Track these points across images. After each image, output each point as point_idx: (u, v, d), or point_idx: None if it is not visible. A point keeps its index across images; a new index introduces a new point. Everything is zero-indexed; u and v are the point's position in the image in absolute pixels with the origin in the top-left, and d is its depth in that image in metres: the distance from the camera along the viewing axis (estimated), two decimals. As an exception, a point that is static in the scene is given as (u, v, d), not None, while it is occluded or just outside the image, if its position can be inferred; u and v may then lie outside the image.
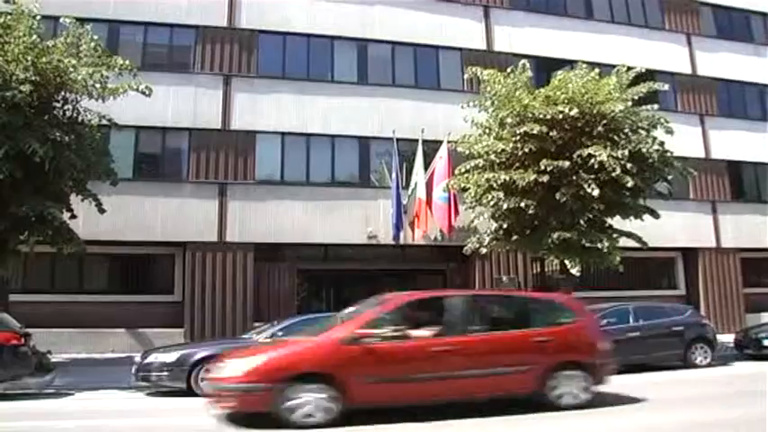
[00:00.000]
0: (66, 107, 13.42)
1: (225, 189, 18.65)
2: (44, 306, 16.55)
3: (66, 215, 13.50)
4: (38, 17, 12.95)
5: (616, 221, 16.12)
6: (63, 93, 13.16)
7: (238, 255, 18.31)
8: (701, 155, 22.82)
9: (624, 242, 16.08)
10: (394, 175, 18.51)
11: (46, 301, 16.87)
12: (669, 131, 15.44)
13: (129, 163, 18.09)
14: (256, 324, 15.62)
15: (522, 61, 15.91)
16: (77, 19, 13.56)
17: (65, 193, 13.60)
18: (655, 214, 16.18)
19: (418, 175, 18.50)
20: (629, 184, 14.33)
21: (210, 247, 18.21)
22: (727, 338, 16.64)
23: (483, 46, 21.56)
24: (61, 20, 13.47)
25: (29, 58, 12.15)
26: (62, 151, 12.25)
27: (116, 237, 17.17)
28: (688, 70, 23.95)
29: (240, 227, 18.43)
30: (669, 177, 16.80)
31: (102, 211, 13.81)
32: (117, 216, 15.70)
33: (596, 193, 14.00)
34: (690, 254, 22.65)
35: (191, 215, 18.22)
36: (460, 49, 21.27)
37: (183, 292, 18.14)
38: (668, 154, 15.63)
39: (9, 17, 12.76)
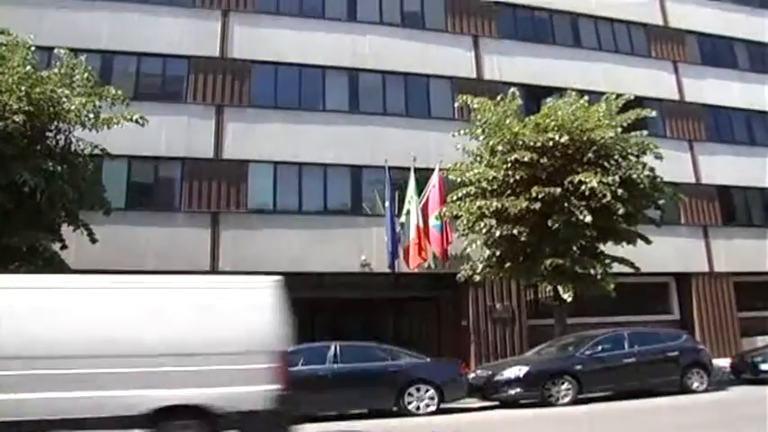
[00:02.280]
0: (59, 137, 13.43)
1: (217, 218, 18.61)
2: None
3: (57, 245, 13.43)
4: (32, 48, 13.04)
5: (608, 247, 16.19)
6: (56, 123, 13.17)
7: (231, 284, 18.17)
8: (691, 180, 23.00)
9: (617, 268, 16.14)
10: (387, 204, 18.56)
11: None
12: (659, 157, 15.62)
13: (122, 192, 17.99)
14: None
15: (512, 89, 16.12)
16: (71, 49, 13.67)
17: (57, 223, 13.52)
18: (646, 240, 16.27)
19: (411, 203, 18.55)
20: (621, 211, 14.44)
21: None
22: (722, 363, 16.61)
23: (473, 74, 21.80)
24: (55, 51, 13.58)
25: (23, 88, 12.18)
26: (54, 181, 12.23)
27: (108, 266, 16.79)
28: (676, 96, 24.26)
29: (233, 256, 18.33)
30: (660, 203, 16.93)
31: (93, 241, 13.76)
32: (109, 246, 15.57)
33: (588, 219, 14.09)
34: (683, 279, 22.67)
35: (183, 244, 18.11)
36: (451, 77, 21.47)
37: (174, 323, 17.95)
38: (658, 180, 15.78)
39: (4, 48, 12.84)
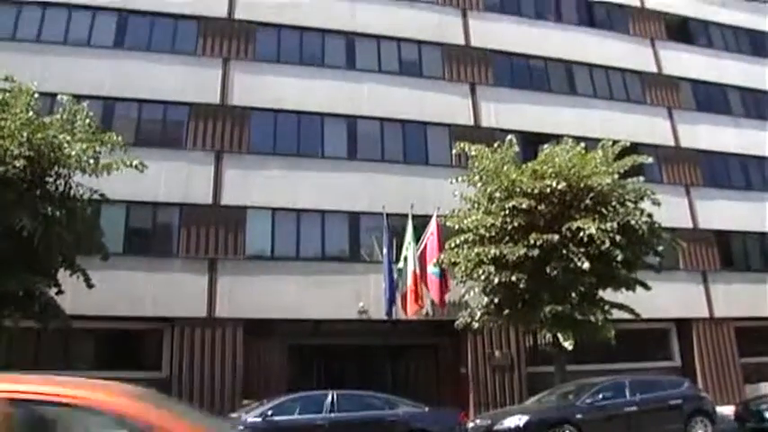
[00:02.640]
0: (58, 182, 13.43)
1: (215, 264, 18.56)
2: (27, 385, 16.07)
3: (53, 290, 13.33)
4: (35, 94, 13.17)
5: (608, 293, 16.11)
6: (56, 168, 13.17)
7: (227, 330, 18.03)
8: (689, 225, 23.04)
9: (617, 314, 16.02)
10: (385, 251, 18.53)
11: (29, 380, 16.39)
12: (656, 203, 15.66)
13: (120, 237, 17.98)
14: (245, 401, 15.28)
15: (509, 136, 16.27)
16: (74, 96, 13.81)
17: (54, 268, 13.46)
18: (646, 286, 16.20)
19: (409, 250, 18.53)
20: (620, 258, 14.41)
21: (199, 322, 17.93)
22: (726, 411, 16.34)
23: (470, 122, 22.08)
24: (58, 97, 13.74)
25: (24, 133, 12.22)
26: (53, 226, 12.21)
27: (104, 312, 16.87)
28: (671, 142, 24.51)
29: (230, 302, 18.22)
30: (659, 249, 16.90)
31: (90, 286, 13.63)
32: (105, 291, 15.43)
33: (586, 266, 14.04)
34: (683, 324, 22.50)
35: (180, 290, 18.01)
36: (448, 124, 21.75)
37: (170, 369, 17.72)
38: (657, 225, 15.79)
39: (8, 94, 12.98)
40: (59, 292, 13.65)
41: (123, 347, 18.59)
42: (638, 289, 15.96)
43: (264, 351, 18.71)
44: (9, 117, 12.48)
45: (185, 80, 20.17)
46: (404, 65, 22.62)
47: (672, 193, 22.39)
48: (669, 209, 17.98)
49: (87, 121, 13.38)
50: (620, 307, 16.06)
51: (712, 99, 26.49)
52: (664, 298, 19.94)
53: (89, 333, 17.89)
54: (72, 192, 13.56)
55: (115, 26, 20.73)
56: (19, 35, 19.70)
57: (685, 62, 26.52)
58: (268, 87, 20.62)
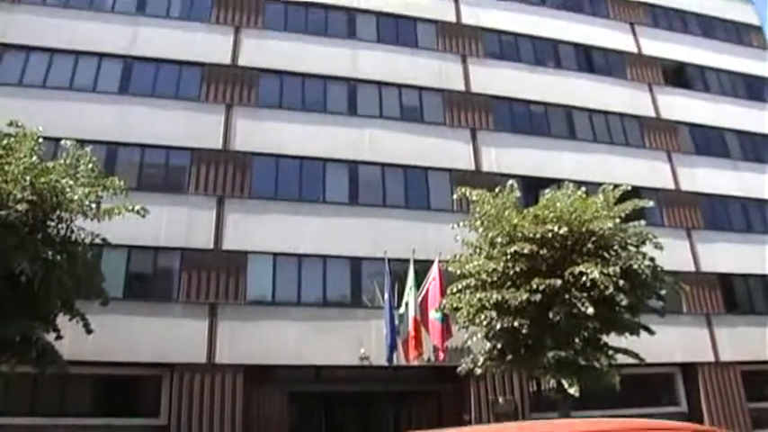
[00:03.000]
0: (60, 226, 13.41)
1: (215, 309, 18.43)
2: (23, 430, 15.83)
3: (51, 335, 13.20)
4: (40, 139, 13.28)
5: (611, 338, 15.94)
6: (58, 212, 13.14)
7: (227, 377, 17.79)
8: (691, 268, 22.98)
9: (621, 359, 15.81)
10: (386, 296, 18.42)
11: (26, 425, 16.11)
12: (659, 247, 15.61)
13: (120, 282, 17.89)
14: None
15: (510, 181, 16.31)
16: (78, 141, 13.91)
17: (53, 312, 13.35)
18: (650, 331, 16.03)
19: (410, 296, 18.43)
20: (624, 302, 14.30)
21: (199, 368, 17.70)
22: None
23: (471, 166, 22.24)
24: (62, 142, 13.84)
25: (27, 178, 12.21)
26: (53, 270, 12.14)
27: (102, 357, 16.68)
28: (671, 186, 24.63)
29: (230, 348, 18.04)
30: (662, 293, 16.79)
31: (89, 331, 13.47)
32: (104, 336, 15.23)
33: (591, 311, 13.91)
34: (689, 369, 22.20)
35: (180, 336, 17.85)
36: (449, 169, 21.88)
37: (169, 416, 17.43)
38: (659, 269, 15.71)
39: (13, 139, 13.08)
40: (58, 338, 13.52)
41: (121, 393, 18.32)
42: (642, 333, 15.80)
43: (265, 398, 18.44)
44: (13, 161, 12.53)
45: (188, 125, 20.40)
46: (405, 110, 22.91)
47: (673, 236, 22.39)
48: (671, 252, 17.90)
49: (90, 165, 13.42)
50: (625, 352, 15.86)
51: (711, 142, 26.75)
52: (668, 342, 19.74)
53: (87, 378, 17.64)
54: (73, 236, 13.56)
55: (120, 72, 21.09)
56: (26, 81, 20.07)
57: (683, 106, 26.89)
58: (270, 133, 20.85)
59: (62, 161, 13.29)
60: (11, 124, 13.33)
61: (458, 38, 25.22)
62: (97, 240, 13.85)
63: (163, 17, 22.49)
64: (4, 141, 12.90)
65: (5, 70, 20.07)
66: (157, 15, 22.45)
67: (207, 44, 22.14)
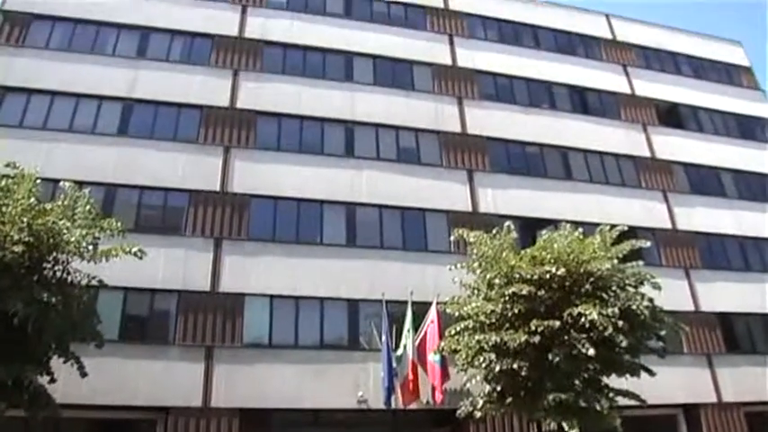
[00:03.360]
0: (56, 268, 13.37)
1: (212, 352, 18.22)
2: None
3: (45, 379, 13.01)
4: (38, 181, 13.32)
5: (612, 380, 15.78)
6: (55, 254, 13.13)
7: (223, 421, 17.48)
8: (691, 308, 22.90)
9: (622, 401, 15.63)
10: (384, 338, 18.27)
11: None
12: (657, 287, 15.57)
13: (116, 324, 17.71)
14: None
15: (507, 223, 16.35)
16: (76, 182, 13.97)
17: (47, 355, 13.19)
18: (650, 372, 15.89)
19: (408, 338, 18.28)
20: (624, 343, 14.21)
21: (195, 412, 17.39)
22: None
23: (468, 208, 22.33)
24: (60, 183, 13.89)
25: (25, 219, 12.25)
26: (47, 312, 12.03)
27: (96, 401, 16.44)
28: (668, 225, 24.72)
29: (226, 392, 17.77)
30: (662, 333, 16.69)
31: (84, 374, 13.30)
32: (98, 378, 15.04)
33: (591, 352, 13.81)
34: (691, 410, 21.89)
35: (176, 379, 17.60)
36: (446, 211, 21.98)
37: (163, 460, 17.14)
38: (658, 310, 15.65)
39: (11, 180, 13.12)
40: (52, 381, 13.33)
41: (115, 438, 18.05)
42: (643, 374, 15.65)
43: (261, 442, 18.13)
44: (11, 203, 12.58)
45: (186, 167, 20.53)
46: (402, 152, 23.12)
47: (671, 276, 22.38)
48: (670, 292, 17.85)
49: (88, 207, 13.45)
50: (625, 394, 15.69)
51: (706, 182, 26.97)
52: (669, 383, 19.55)
53: (80, 422, 17.30)
54: (69, 278, 13.50)
55: (120, 114, 21.33)
56: (26, 122, 20.29)
57: (678, 146, 27.22)
58: (268, 175, 20.98)
59: (60, 202, 13.35)
60: (8, 165, 13.42)
61: (454, 80, 25.62)
62: (93, 282, 13.79)
63: (163, 60, 22.86)
64: (2, 183, 12.97)
65: (6, 112, 20.30)
66: (158, 59, 22.82)
67: (206, 87, 22.44)
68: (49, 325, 12.23)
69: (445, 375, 17.75)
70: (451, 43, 26.90)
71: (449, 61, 26.22)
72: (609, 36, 30.40)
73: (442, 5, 28.18)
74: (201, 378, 17.83)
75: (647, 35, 31.26)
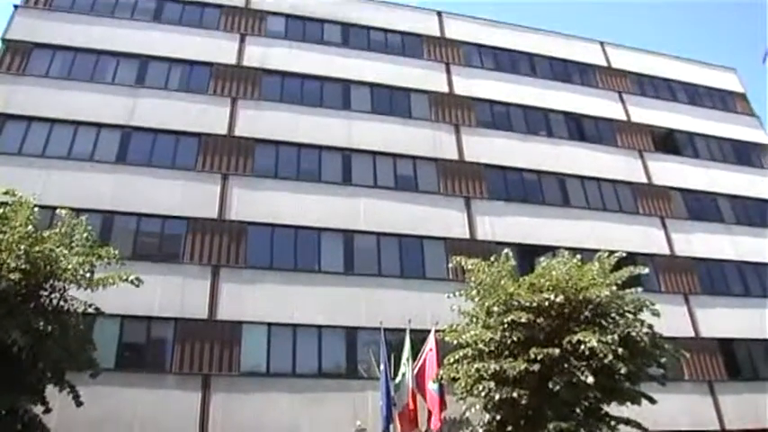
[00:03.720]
0: (53, 295, 13.30)
1: (208, 381, 18.03)
2: None
3: (39, 408, 12.84)
4: (35, 208, 13.30)
5: (612, 408, 15.63)
6: (51, 281, 13.07)
7: (220, 450, 17.31)
8: (691, 334, 22.78)
9: (624, 429, 15.46)
10: (382, 367, 18.10)
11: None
12: (656, 314, 15.51)
13: (112, 352, 17.57)
14: None
15: (506, 250, 16.33)
16: (74, 209, 13.95)
17: (42, 384, 13.05)
18: (651, 400, 15.75)
19: (407, 366, 18.13)
20: (624, 371, 14.09)
21: (191, 442, 17.24)
22: None
23: (466, 235, 22.34)
24: (57, 211, 13.87)
25: (22, 247, 12.19)
26: (43, 341, 11.93)
27: (91, 430, 16.22)
28: (666, 251, 24.71)
29: (223, 420, 17.54)
30: (662, 360, 16.58)
31: (79, 403, 13.14)
32: (94, 408, 14.78)
33: (591, 380, 13.70)
34: (695, 439, 21.69)
35: (172, 408, 17.39)
36: (444, 238, 21.99)
37: (158, 494, 16.86)
38: (658, 336, 15.56)
39: (8, 208, 13.10)
40: (47, 411, 13.15)
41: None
42: (645, 402, 15.51)
43: (257, 473, 17.86)
44: (8, 230, 12.55)
45: (184, 195, 20.55)
46: (399, 180, 23.19)
47: (671, 302, 22.33)
48: (669, 318, 17.77)
49: (85, 234, 13.44)
50: (627, 422, 15.52)
51: (704, 207, 27.05)
52: (671, 410, 19.39)
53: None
54: (66, 306, 13.42)
55: (118, 142, 21.39)
56: (25, 150, 20.33)
57: (674, 172, 27.35)
58: (265, 202, 21.01)
59: (57, 230, 13.33)
60: (7, 193, 13.42)
61: (450, 108, 25.81)
62: (90, 310, 13.71)
63: (161, 88, 23.01)
64: (0, 210, 12.95)
65: (6, 139, 20.37)
66: (156, 87, 22.98)
67: (204, 114, 22.59)
68: (45, 353, 12.15)
69: (443, 404, 17.53)
70: (448, 71, 27.17)
71: (446, 89, 26.46)
72: (604, 63, 30.74)
73: (438, 34, 28.52)
74: (198, 407, 17.63)
75: (642, 62, 31.64)
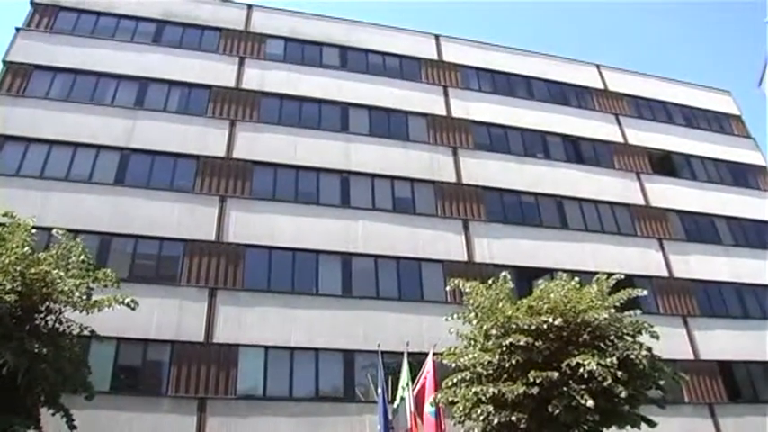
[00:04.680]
0: (49, 317, 13.21)
1: (205, 405, 17.87)
2: None
3: (32, 432, 12.72)
4: (33, 230, 13.26)
5: (612, 431, 15.49)
6: (47, 303, 13.01)
7: (216, 476, 17.11)
8: (690, 356, 22.69)
9: (624, 453, 15.34)
10: (380, 390, 17.96)
11: None
12: (655, 336, 15.45)
13: (107, 375, 17.43)
14: None
15: (504, 273, 16.28)
16: (72, 230, 13.98)
17: (35, 407, 12.91)
18: (651, 423, 15.63)
19: (406, 390, 17.98)
20: (623, 394, 14.00)
21: (186, 469, 17.04)
22: None
23: (464, 257, 22.33)
24: (53, 232, 13.84)
25: (18, 268, 12.17)
26: (38, 363, 11.83)
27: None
28: (664, 273, 24.69)
29: (218, 446, 17.42)
30: (661, 383, 16.47)
31: (72, 427, 13.00)
32: (88, 431, 14.78)
33: (591, 403, 13.59)
34: (695, 463, 21.50)
35: (167, 432, 17.26)
36: (442, 261, 21.97)
37: None
38: (657, 359, 15.48)
39: (5, 229, 13.07)
40: (39, 435, 13.03)
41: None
42: (644, 425, 15.38)
43: (254, 499, 17.63)
44: (4, 252, 12.51)
45: (182, 217, 20.55)
46: (397, 202, 23.25)
47: (670, 324, 22.26)
48: (668, 340, 17.71)
49: (82, 256, 13.40)
50: (627, 446, 15.39)
51: (701, 229, 27.10)
52: (671, 434, 19.20)
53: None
54: (61, 328, 13.33)
55: (116, 164, 21.42)
56: (23, 171, 20.34)
57: (672, 194, 27.45)
58: (263, 224, 21.01)
59: (53, 252, 13.28)
60: (5, 215, 13.41)
61: (448, 130, 25.94)
62: (85, 332, 13.63)
63: (160, 110, 23.11)
64: (-3, 232, 12.94)
65: (5, 160, 20.40)
66: (155, 109, 23.08)
67: (202, 137, 22.67)
68: (40, 376, 12.02)
69: (439, 427, 17.36)
70: (446, 94, 27.36)
71: (443, 112, 26.61)
72: (600, 86, 30.99)
73: (436, 57, 28.77)
74: (194, 431, 17.45)
75: (638, 85, 31.90)
